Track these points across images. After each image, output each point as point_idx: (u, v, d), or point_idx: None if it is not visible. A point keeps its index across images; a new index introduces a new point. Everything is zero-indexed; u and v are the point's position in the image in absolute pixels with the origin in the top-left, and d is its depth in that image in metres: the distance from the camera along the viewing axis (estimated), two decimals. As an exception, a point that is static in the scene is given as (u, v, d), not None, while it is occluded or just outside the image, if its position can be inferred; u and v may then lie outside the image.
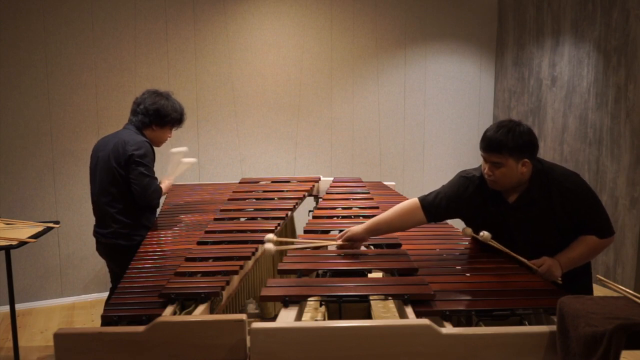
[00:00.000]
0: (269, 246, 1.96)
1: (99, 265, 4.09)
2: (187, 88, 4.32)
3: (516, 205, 1.96)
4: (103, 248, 2.78)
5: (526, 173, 1.91)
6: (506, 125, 1.88)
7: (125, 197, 2.67)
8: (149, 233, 2.62)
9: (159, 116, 2.71)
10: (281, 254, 2.33)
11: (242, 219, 2.80)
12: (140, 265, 2.12)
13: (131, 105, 2.79)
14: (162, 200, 3.31)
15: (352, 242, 2.08)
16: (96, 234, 2.78)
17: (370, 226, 2.07)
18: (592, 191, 1.97)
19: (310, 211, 3.07)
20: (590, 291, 2.12)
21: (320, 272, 2.00)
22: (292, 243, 2.23)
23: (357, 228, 2.08)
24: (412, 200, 2.08)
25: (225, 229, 2.55)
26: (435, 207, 2.04)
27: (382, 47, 4.88)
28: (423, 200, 2.06)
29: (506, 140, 1.85)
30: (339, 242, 2.09)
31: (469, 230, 2.03)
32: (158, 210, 3.13)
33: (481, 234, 1.95)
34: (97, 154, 2.75)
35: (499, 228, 1.97)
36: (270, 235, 2.03)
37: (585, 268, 2.06)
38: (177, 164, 2.99)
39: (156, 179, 2.72)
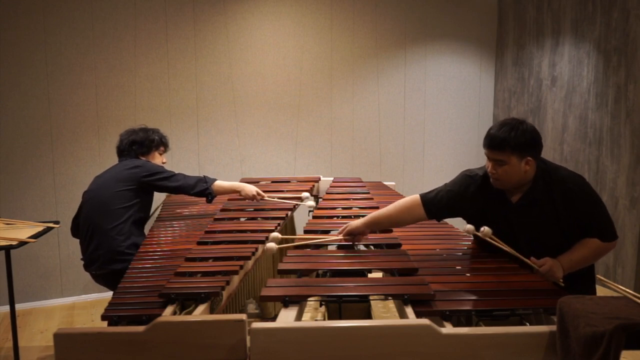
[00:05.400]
0: (271, 245, 1.99)
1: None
2: (187, 88, 4.32)
3: (519, 204, 1.96)
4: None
5: (530, 172, 1.90)
6: (509, 123, 1.88)
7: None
8: (149, 233, 2.62)
9: (137, 144, 2.81)
10: (282, 253, 2.34)
11: (242, 219, 2.80)
12: (140, 265, 2.13)
13: (119, 138, 2.86)
14: (161, 201, 3.32)
15: (352, 236, 2.12)
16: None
17: (370, 220, 2.10)
18: (596, 194, 1.96)
19: (310, 211, 3.07)
20: (593, 294, 2.11)
21: (320, 272, 2.00)
22: (294, 241, 2.28)
23: (356, 222, 2.11)
24: (413, 197, 2.10)
25: (225, 229, 2.55)
26: (436, 204, 2.05)
27: (382, 47, 4.88)
28: (424, 196, 2.07)
29: (509, 137, 1.85)
30: (340, 236, 2.12)
31: (471, 227, 2.03)
32: (157, 211, 3.14)
33: (482, 229, 1.95)
34: (93, 186, 2.76)
35: (501, 227, 1.97)
36: (276, 234, 2.08)
37: (589, 271, 2.05)
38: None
39: (172, 172, 2.78)
